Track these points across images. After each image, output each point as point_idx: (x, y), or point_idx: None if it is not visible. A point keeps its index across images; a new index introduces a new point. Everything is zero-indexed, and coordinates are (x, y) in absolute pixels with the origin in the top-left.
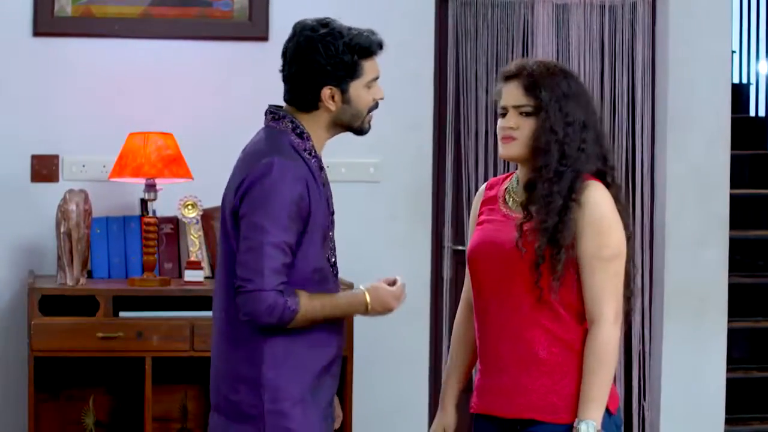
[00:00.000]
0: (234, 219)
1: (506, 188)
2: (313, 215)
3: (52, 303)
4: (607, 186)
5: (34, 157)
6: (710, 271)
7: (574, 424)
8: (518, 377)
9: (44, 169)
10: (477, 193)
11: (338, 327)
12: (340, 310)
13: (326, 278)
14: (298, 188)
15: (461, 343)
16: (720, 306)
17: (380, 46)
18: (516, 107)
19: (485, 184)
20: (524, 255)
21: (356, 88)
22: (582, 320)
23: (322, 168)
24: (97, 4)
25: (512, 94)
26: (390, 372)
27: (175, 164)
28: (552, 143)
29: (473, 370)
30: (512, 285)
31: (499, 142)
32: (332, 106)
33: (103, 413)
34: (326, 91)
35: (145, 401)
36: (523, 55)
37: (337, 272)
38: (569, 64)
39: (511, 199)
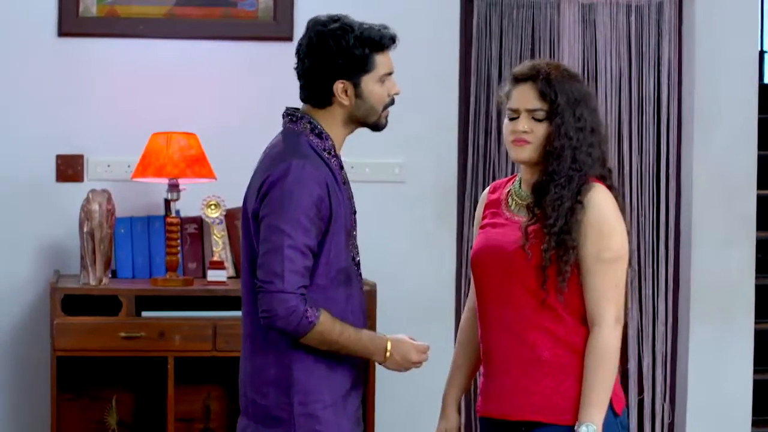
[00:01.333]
0: (255, 222)
1: (509, 191)
2: (335, 215)
3: (76, 303)
4: (609, 189)
5: (59, 157)
6: (737, 272)
7: (575, 427)
8: (522, 379)
9: (69, 169)
10: (480, 196)
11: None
12: (359, 345)
13: (350, 278)
14: (317, 190)
15: (464, 347)
16: (746, 307)
17: (392, 40)
18: (529, 111)
19: (488, 187)
20: (530, 259)
21: (369, 82)
22: (584, 322)
23: (342, 167)
24: (122, 4)
25: (526, 97)
26: (413, 374)
27: (197, 164)
28: (566, 148)
29: (477, 374)
30: (515, 288)
31: (510, 145)
32: (345, 101)
33: (125, 413)
34: (339, 86)
35: (168, 401)
36: (549, 55)
37: (360, 272)
38: (595, 65)
39: (513, 203)
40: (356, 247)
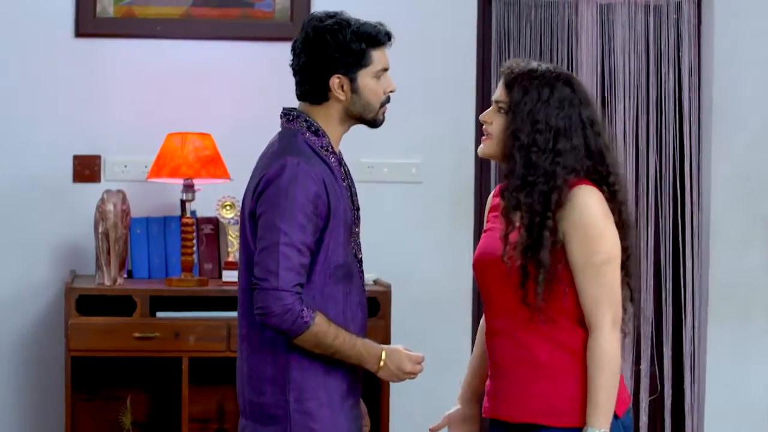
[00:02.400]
0: (252, 221)
1: None
2: (334, 212)
3: (92, 303)
4: (612, 195)
5: (76, 158)
6: (756, 272)
7: None
8: (521, 382)
9: (86, 169)
10: (488, 199)
11: (362, 330)
12: (353, 351)
13: (351, 275)
14: (314, 187)
15: (479, 349)
16: (765, 307)
17: (388, 36)
18: (496, 102)
19: (494, 190)
20: (510, 270)
21: (365, 77)
22: (582, 324)
23: (341, 163)
24: (139, 4)
25: (498, 89)
26: (429, 377)
27: (212, 165)
28: (515, 148)
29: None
30: (510, 293)
31: None
32: (342, 96)
33: (140, 413)
34: (335, 80)
35: (182, 401)
36: (567, 56)
37: (362, 269)
38: (614, 65)
39: None
40: (358, 244)
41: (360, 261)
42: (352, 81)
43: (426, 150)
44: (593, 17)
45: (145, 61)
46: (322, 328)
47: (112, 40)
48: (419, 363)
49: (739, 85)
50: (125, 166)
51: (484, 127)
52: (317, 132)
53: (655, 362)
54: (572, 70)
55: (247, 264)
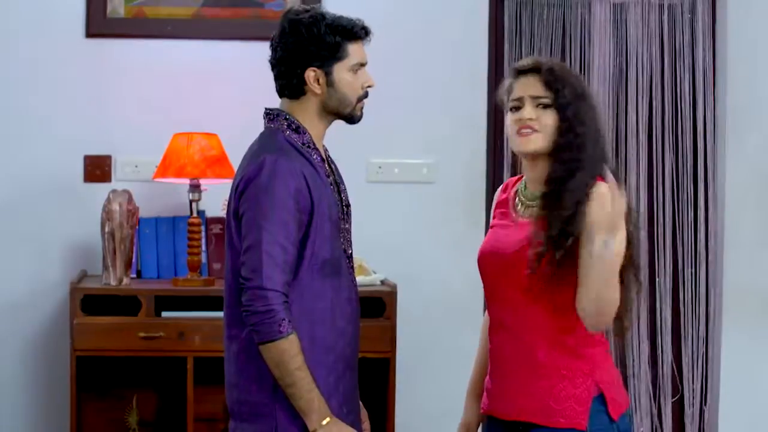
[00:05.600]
0: (237, 221)
1: (516, 191)
2: (318, 207)
3: (100, 303)
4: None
5: (87, 158)
6: None
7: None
8: (519, 380)
9: (97, 169)
10: (495, 195)
11: (347, 329)
12: (306, 393)
13: (339, 271)
14: (293, 182)
15: (483, 347)
16: None
17: (365, 31)
18: (534, 98)
19: (501, 186)
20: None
21: (341, 70)
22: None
23: (326, 159)
24: (150, 5)
25: (530, 86)
26: (437, 376)
27: (218, 165)
28: (573, 139)
29: None
30: (514, 290)
31: (514, 137)
32: (318, 90)
33: (146, 413)
34: (310, 74)
35: (188, 401)
36: (580, 55)
37: (352, 265)
38: (627, 65)
39: (520, 203)
40: (348, 240)
41: (349, 256)
42: (328, 74)
43: (437, 150)
44: (606, 16)
45: (156, 61)
46: (292, 350)
47: (123, 41)
48: None
49: (754, 85)
50: (136, 166)
51: (523, 123)
52: (298, 129)
53: (673, 365)
54: (585, 70)
55: (233, 264)
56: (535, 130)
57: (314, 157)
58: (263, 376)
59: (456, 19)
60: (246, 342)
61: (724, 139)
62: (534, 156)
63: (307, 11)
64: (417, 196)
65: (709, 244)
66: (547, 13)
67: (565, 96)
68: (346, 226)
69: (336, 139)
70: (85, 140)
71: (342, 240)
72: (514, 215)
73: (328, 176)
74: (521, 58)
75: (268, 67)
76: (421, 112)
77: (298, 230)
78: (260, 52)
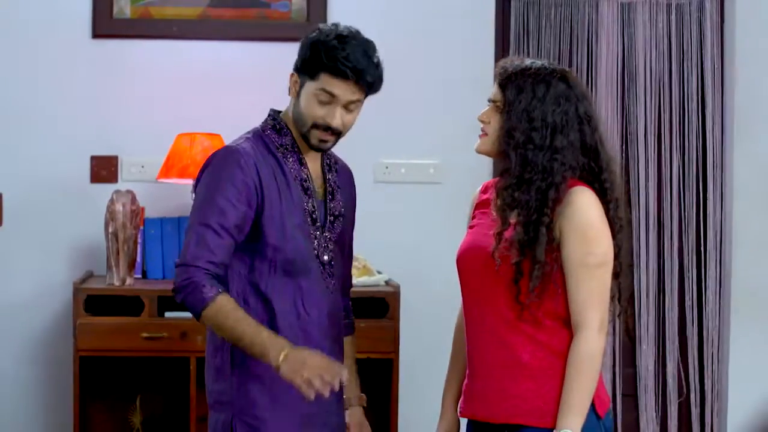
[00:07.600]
0: None
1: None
2: (269, 205)
3: (104, 303)
4: (603, 192)
5: (93, 158)
6: None
7: None
8: (503, 382)
9: (103, 170)
10: (472, 195)
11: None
12: (256, 338)
13: (307, 273)
14: (240, 174)
15: (459, 348)
16: None
17: (355, 73)
18: (492, 101)
19: (480, 187)
20: (500, 267)
21: (308, 87)
22: (566, 325)
23: (304, 164)
24: (156, 5)
25: (493, 88)
26: (441, 377)
27: None
28: (510, 146)
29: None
30: (494, 291)
31: None
32: (292, 93)
33: (150, 413)
34: (292, 77)
35: (191, 402)
36: (587, 55)
37: (331, 272)
38: (635, 65)
39: None
40: (326, 247)
41: (324, 264)
42: (301, 86)
43: (444, 150)
44: (614, 16)
45: (162, 61)
46: (224, 309)
47: (129, 41)
48: (324, 372)
49: (762, 85)
50: (142, 167)
51: (481, 125)
52: (281, 131)
53: (680, 365)
54: (592, 70)
55: None
56: (485, 132)
57: (289, 159)
58: (224, 365)
59: (463, 20)
60: (210, 334)
61: (731, 139)
62: (494, 157)
63: (335, 27)
64: (424, 197)
65: (716, 244)
66: (554, 13)
67: (513, 99)
68: (326, 234)
69: (343, 140)
70: (91, 141)
71: (316, 245)
72: (494, 215)
73: (305, 182)
74: (528, 58)
75: (272, 67)
76: (428, 113)
77: (238, 219)
78: (265, 52)
